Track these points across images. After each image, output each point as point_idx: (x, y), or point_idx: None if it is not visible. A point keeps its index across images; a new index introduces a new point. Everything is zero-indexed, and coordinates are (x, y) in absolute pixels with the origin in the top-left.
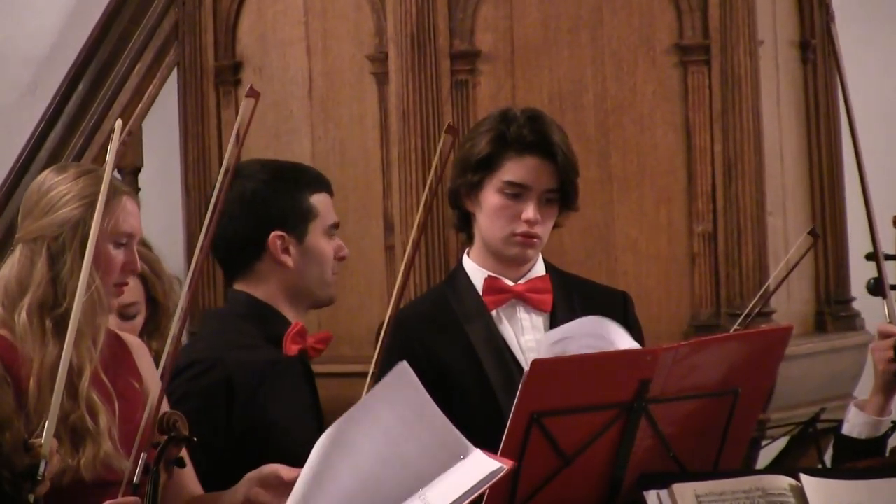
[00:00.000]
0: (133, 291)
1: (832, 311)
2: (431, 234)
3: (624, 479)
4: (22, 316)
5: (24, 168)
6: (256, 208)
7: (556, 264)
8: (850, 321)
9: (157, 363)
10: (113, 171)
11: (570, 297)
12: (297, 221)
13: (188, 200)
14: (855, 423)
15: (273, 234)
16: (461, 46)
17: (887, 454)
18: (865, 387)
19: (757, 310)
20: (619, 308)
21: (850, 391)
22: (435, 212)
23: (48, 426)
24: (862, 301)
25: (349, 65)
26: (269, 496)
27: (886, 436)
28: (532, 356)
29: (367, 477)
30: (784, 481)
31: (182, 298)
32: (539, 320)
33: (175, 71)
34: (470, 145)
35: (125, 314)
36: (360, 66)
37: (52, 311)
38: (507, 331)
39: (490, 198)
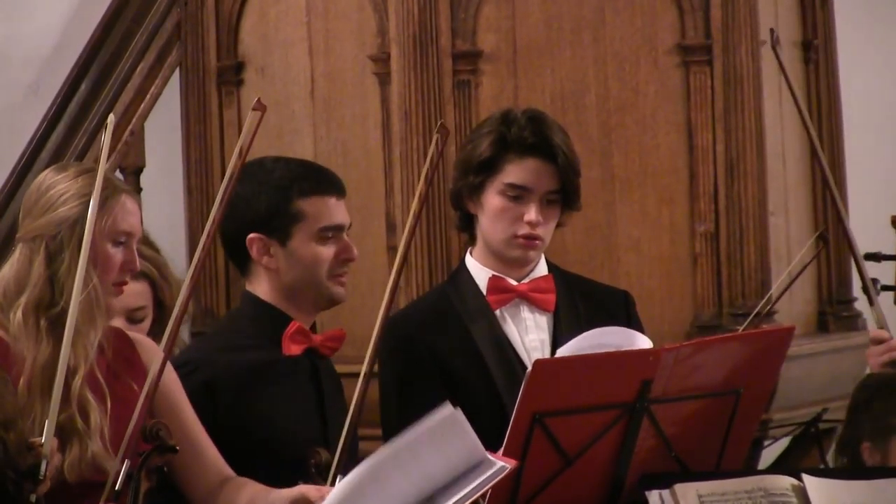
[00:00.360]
0: (141, 295)
1: (834, 311)
2: (433, 235)
3: (626, 479)
4: (17, 315)
5: (26, 168)
6: (237, 210)
7: (559, 264)
8: (852, 321)
9: None
10: (114, 169)
11: (572, 297)
12: (278, 225)
13: (190, 200)
14: None
15: (250, 236)
16: (463, 46)
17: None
18: None
19: (765, 310)
20: (621, 307)
21: (851, 391)
22: (436, 212)
23: (48, 425)
24: (864, 301)
25: (351, 65)
26: None
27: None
28: (536, 355)
29: None
30: (786, 481)
31: (180, 299)
32: (543, 320)
33: (177, 71)
34: (471, 147)
35: (133, 318)
36: (363, 67)
37: (48, 310)
38: (510, 330)
39: (491, 200)
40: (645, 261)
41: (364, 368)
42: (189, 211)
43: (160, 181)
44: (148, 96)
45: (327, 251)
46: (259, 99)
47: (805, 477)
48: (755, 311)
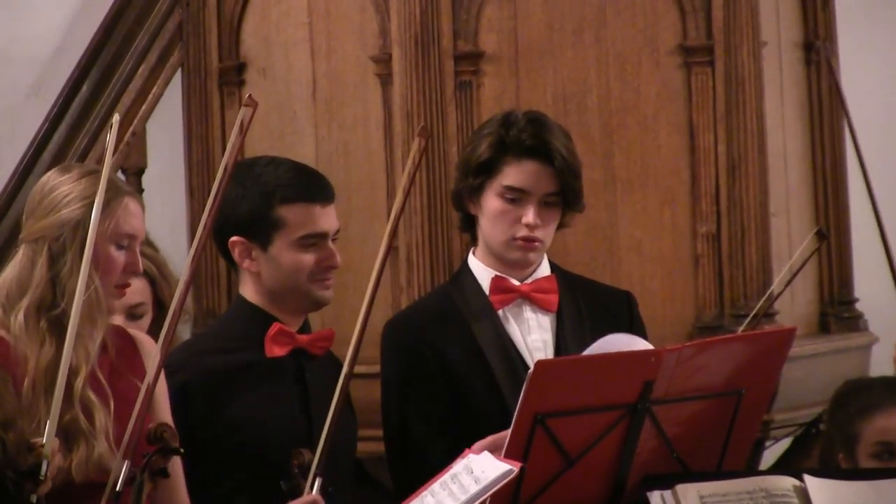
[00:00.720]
0: (140, 292)
1: (836, 311)
2: (435, 236)
3: (627, 479)
4: (19, 316)
5: (27, 169)
6: (222, 211)
7: (560, 265)
8: (854, 322)
9: None
10: (115, 170)
11: (575, 298)
12: (259, 230)
13: (192, 201)
14: None
15: (232, 239)
16: (465, 47)
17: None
18: None
19: (765, 309)
20: (623, 308)
21: None
22: (438, 212)
23: (49, 426)
24: (865, 302)
25: (353, 66)
26: None
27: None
28: (539, 356)
29: None
30: (788, 482)
31: (175, 298)
32: (546, 320)
33: (179, 72)
34: (471, 149)
35: (132, 314)
36: (364, 68)
37: (50, 311)
38: (513, 330)
39: (490, 202)
40: (646, 261)
41: (344, 370)
42: (191, 212)
43: (162, 182)
44: (150, 97)
45: (308, 258)
46: (250, 95)
47: (806, 477)
48: (754, 311)
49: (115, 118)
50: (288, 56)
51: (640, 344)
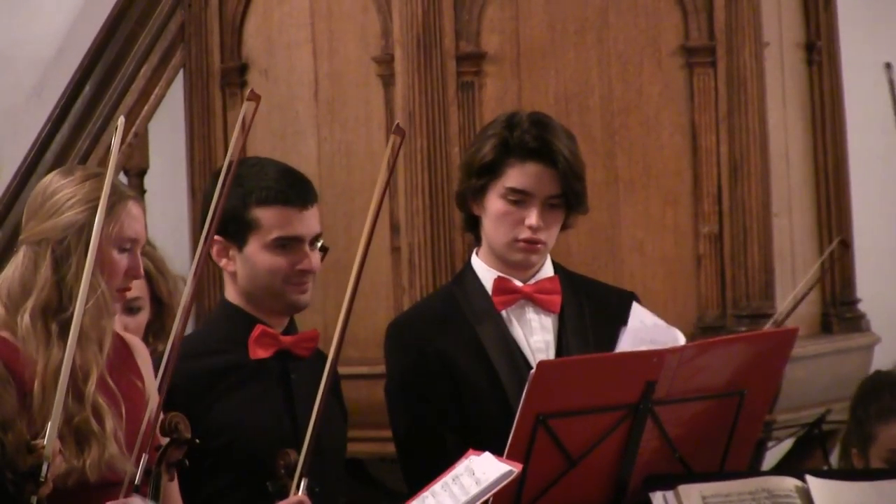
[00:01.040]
0: (137, 287)
1: (838, 312)
2: (437, 237)
3: (629, 480)
4: (25, 318)
5: (29, 169)
6: (205, 209)
7: (563, 266)
8: (856, 322)
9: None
10: (118, 171)
11: (578, 298)
12: (235, 230)
13: (194, 202)
14: None
15: (205, 242)
16: (467, 48)
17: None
18: None
19: (785, 316)
20: (627, 308)
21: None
22: (440, 213)
23: (51, 428)
24: (867, 302)
25: (355, 66)
26: None
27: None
28: (541, 356)
29: None
30: (790, 482)
31: (184, 299)
32: (548, 321)
33: (181, 73)
34: (475, 150)
35: (129, 307)
36: (366, 68)
37: (57, 314)
38: (516, 331)
39: (493, 203)
40: (649, 262)
41: (326, 368)
42: (193, 212)
43: (164, 183)
44: (152, 98)
45: (281, 261)
46: (252, 89)
47: (809, 478)
48: (775, 317)
49: (121, 121)
50: (290, 57)
51: (679, 337)
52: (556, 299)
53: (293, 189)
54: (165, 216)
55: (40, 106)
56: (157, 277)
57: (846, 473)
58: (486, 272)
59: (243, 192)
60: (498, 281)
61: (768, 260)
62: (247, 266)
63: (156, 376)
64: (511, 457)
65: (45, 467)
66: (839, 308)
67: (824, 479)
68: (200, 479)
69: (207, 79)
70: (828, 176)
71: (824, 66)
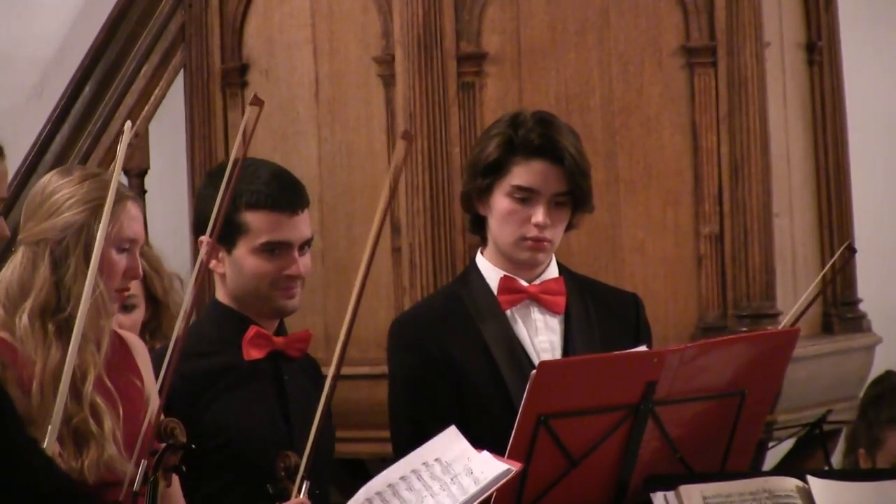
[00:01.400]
0: (132, 285)
1: (839, 312)
2: (438, 237)
3: (630, 480)
4: (23, 319)
5: (30, 170)
6: (197, 209)
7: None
8: (857, 323)
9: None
10: (119, 174)
11: (583, 300)
12: (225, 232)
13: (194, 203)
14: None
15: (200, 238)
16: (468, 48)
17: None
18: None
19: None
20: (630, 310)
21: (856, 393)
22: (441, 214)
23: (51, 430)
24: (868, 303)
25: (356, 67)
26: None
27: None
28: (546, 357)
29: None
30: (791, 483)
31: (186, 301)
32: (553, 321)
33: (181, 73)
34: (479, 149)
35: (123, 304)
36: (367, 69)
37: (55, 315)
38: (521, 331)
39: (499, 202)
40: (649, 262)
41: (332, 370)
42: (193, 213)
43: (164, 183)
44: (152, 98)
45: (269, 265)
46: (255, 94)
47: (810, 478)
48: (783, 322)
49: (127, 125)
50: (291, 57)
51: None
52: (561, 300)
53: (283, 194)
54: (166, 216)
55: (41, 106)
56: (151, 276)
57: (847, 474)
58: (491, 272)
59: (234, 196)
60: (504, 280)
61: (769, 260)
62: (235, 269)
63: (154, 374)
64: (512, 457)
65: None
66: (840, 308)
67: (825, 479)
68: (197, 481)
69: (208, 79)
70: (829, 176)
71: (825, 67)
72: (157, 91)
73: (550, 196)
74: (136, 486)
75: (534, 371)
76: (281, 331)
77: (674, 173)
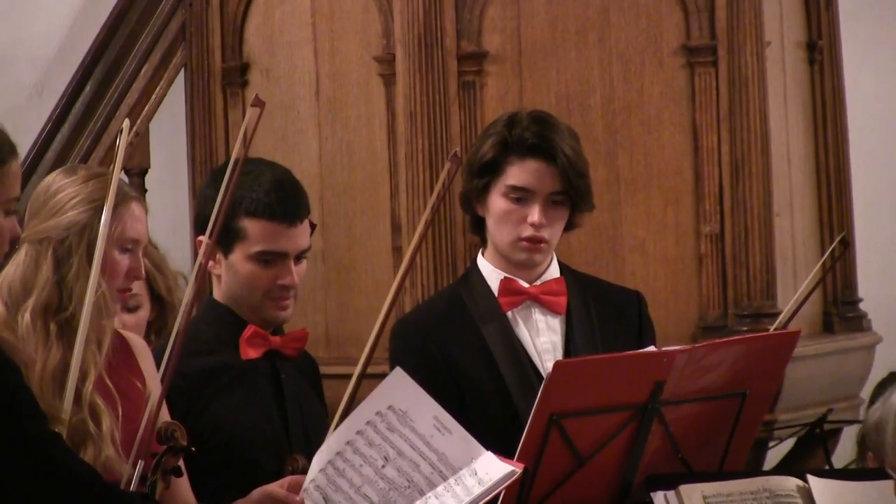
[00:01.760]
0: (136, 285)
1: (839, 311)
2: (438, 237)
3: (634, 480)
4: (25, 317)
5: (30, 169)
6: (197, 210)
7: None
8: (858, 322)
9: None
10: (120, 173)
11: (584, 299)
12: (223, 235)
13: (195, 202)
14: None
15: (198, 238)
16: (468, 48)
17: None
18: (872, 388)
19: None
20: (633, 308)
21: (857, 392)
22: (442, 214)
23: (60, 431)
24: (869, 302)
25: (356, 66)
26: None
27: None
28: (548, 358)
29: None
30: (791, 482)
31: (184, 302)
32: (555, 322)
33: (182, 72)
34: (476, 149)
35: (127, 306)
36: (368, 68)
37: (57, 314)
38: (522, 332)
39: (496, 202)
40: (650, 261)
41: (357, 370)
42: (193, 212)
43: (165, 183)
44: (153, 98)
45: (264, 274)
46: (257, 95)
47: (810, 478)
48: (779, 318)
49: (126, 123)
50: (291, 56)
51: None
52: (562, 300)
53: (282, 204)
54: (166, 215)
55: (41, 105)
56: (154, 275)
57: (847, 473)
58: (491, 273)
59: (234, 200)
60: (504, 282)
61: (770, 259)
62: (230, 273)
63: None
64: (523, 457)
65: None
66: (841, 308)
67: (826, 478)
68: (194, 480)
69: (209, 78)
70: (829, 175)
71: (826, 66)
72: (157, 90)
73: (546, 195)
74: (132, 487)
75: (549, 371)
76: (277, 330)
77: (674, 172)
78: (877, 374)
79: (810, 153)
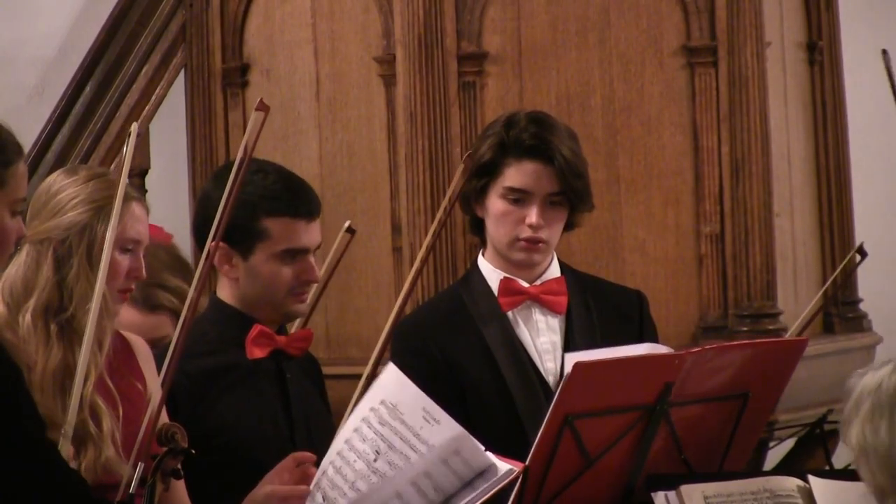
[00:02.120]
0: None
1: (840, 312)
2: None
3: (639, 480)
4: (26, 318)
5: (31, 170)
6: (205, 214)
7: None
8: (858, 322)
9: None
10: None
11: (585, 299)
12: (241, 238)
13: (195, 203)
14: None
15: (211, 243)
16: (469, 48)
17: None
18: None
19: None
20: (634, 307)
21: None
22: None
23: (65, 432)
24: (869, 302)
25: (357, 66)
26: None
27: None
28: (548, 358)
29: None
30: (792, 482)
31: (187, 302)
32: (555, 322)
33: (182, 73)
34: (474, 150)
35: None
36: (368, 68)
37: (58, 314)
38: (522, 332)
39: (494, 203)
40: (650, 262)
41: (367, 370)
42: (194, 213)
43: (165, 183)
44: (153, 98)
45: (287, 271)
46: (262, 99)
47: (811, 478)
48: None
49: (134, 127)
50: (292, 57)
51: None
52: (563, 300)
53: (301, 200)
54: (166, 216)
55: (41, 106)
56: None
57: (848, 473)
58: (492, 273)
59: (250, 201)
60: (504, 282)
61: (770, 260)
62: (251, 275)
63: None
64: (536, 457)
65: None
66: (841, 308)
67: (826, 479)
68: (200, 480)
69: (209, 79)
70: (829, 176)
71: (826, 66)
72: (157, 91)
73: (544, 196)
74: (132, 488)
75: (568, 371)
76: (282, 329)
77: (674, 173)
78: None
79: (810, 153)
